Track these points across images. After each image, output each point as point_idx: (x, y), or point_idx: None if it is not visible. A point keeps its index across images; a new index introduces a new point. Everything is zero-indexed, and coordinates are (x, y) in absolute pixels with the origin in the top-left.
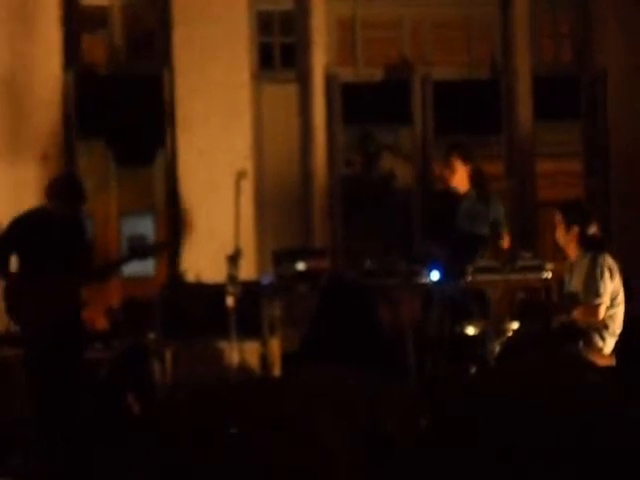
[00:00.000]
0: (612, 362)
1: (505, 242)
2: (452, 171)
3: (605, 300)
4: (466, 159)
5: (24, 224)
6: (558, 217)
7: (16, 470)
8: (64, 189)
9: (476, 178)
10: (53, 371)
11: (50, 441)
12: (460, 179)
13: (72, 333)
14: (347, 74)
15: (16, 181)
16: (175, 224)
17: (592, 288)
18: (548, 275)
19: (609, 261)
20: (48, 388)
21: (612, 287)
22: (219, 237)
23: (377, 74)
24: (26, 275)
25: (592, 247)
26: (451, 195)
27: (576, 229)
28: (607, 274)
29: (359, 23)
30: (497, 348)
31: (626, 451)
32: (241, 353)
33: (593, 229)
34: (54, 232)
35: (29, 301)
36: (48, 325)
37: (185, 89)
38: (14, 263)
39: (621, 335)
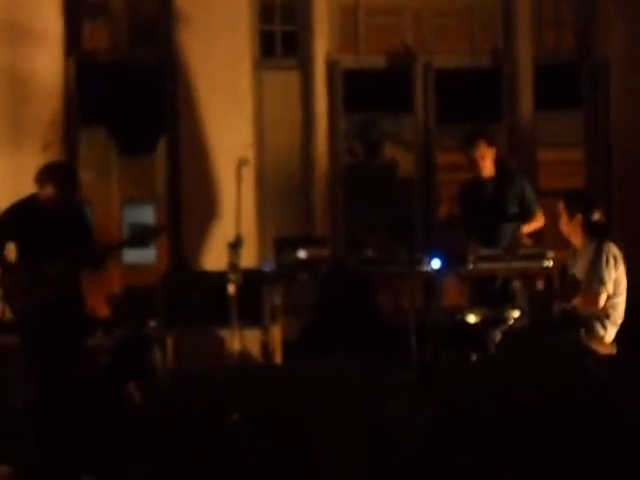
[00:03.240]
0: (613, 351)
1: (539, 220)
2: (482, 157)
3: (608, 289)
4: (491, 143)
5: (17, 212)
6: (561, 206)
7: (15, 459)
8: (57, 175)
9: (498, 160)
10: (51, 359)
11: (49, 429)
12: (489, 164)
13: (71, 320)
14: (349, 61)
15: (17, 169)
16: (177, 212)
17: (596, 276)
18: (550, 263)
19: (614, 250)
20: (46, 376)
21: (615, 276)
22: (220, 225)
23: (379, 61)
24: (23, 262)
25: (597, 234)
26: (479, 181)
27: (580, 217)
28: (612, 262)
29: (361, 10)
30: (498, 336)
31: (625, 437)
32: (242, 341)
33: (597, 215)
34: (48, 219)
35: (25, 287)
36: (45, 312)
37: (186, 77)
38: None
39: (622, 324)
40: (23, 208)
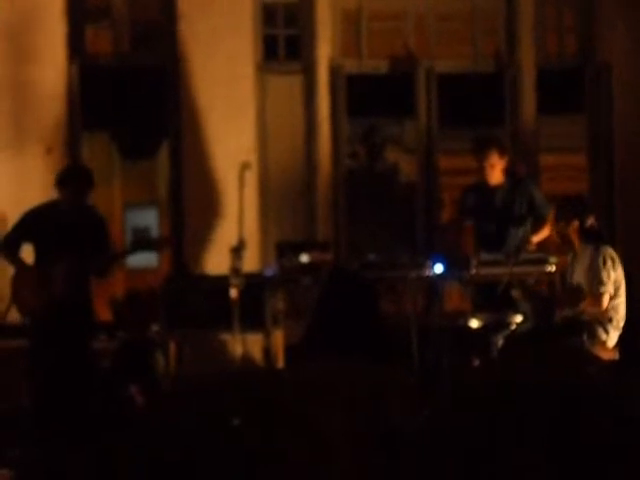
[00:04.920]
0: (615, 356)
1: (549, 226)
2: (492, 167)
3: (609, 289)
4: (503, 153)
5: (36, 215)
6: (558, 213)
7: (15, 461)
8: (70, 177)
9: (510, 168)
10: (57, 360)
11: (52, 430)
12: (498, 173)
13: (78, 323)
14: (352, 66)
15: (21, 173)
16: (179, 216)
17: (595, 277)
18: (552, 268)
19: (611, 252)
20: (52, 378)
21: (615, 277)
22: (223, 229)
23: (382, 66)
24: (37, 264)
25: (592, 238)
26: (486, 187)
27: (576, 223)
28: (610, 263)
29: (364, 15)
30: (500, 341)
31: (628, 442)
32: (244, 345)
33: (590, 220)
34: (66, 223)
35: (34, 289)
36: (52, 314)
37: (189, 81)
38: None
39: (624, 329)
40: (43, 211)
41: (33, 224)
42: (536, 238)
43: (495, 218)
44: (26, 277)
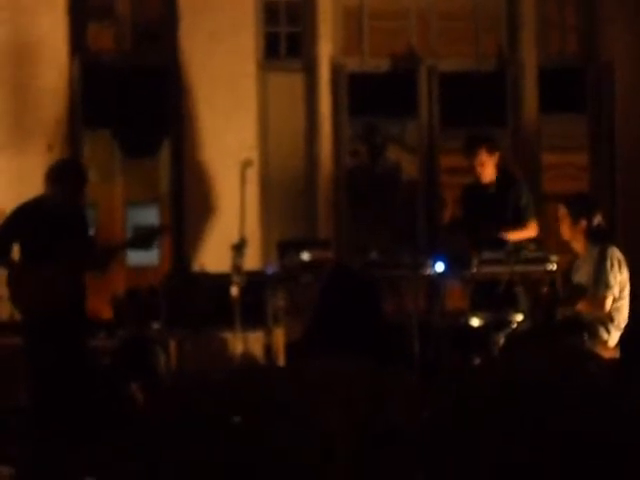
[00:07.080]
0: (616, 354)
1: (530, 230)
2: (482, 165)
3: (614, 292)
4: (492, 150)
5: (25, 212)
6: (563, 211)
7: (15, 459)
8: (65, 173)
9: (501, 165)
10: (55, 359)
11: (51, 429)
12: (489, 170)
13: (74, 320)
14: (353, 64)
15: (21, 170)
16: (180, 214)
17: (601, 280)
18: (553, 267)
19: (617, 254)
20: (49, 376)
21: (620, 279)
22: (224, 227)
23: (383, 65)
24: (28, 263)
25: (599, 238)
26: (481, 185)
27: (584, 222)
28: (616, 266)
29: (366, 13)
30: (501, 339)
31: (629, 441)
32: (245, 343)
33: (598, 219)
34: (55, 219)
35: (31, 288)
36: (50, 312)
37: (191, 78)
38: (16, 251)
39: (625, 327)
40: (29, 210)
41: (22, 222)
42: (512, 235)
43: (490, 215)
44: (20, 278)
